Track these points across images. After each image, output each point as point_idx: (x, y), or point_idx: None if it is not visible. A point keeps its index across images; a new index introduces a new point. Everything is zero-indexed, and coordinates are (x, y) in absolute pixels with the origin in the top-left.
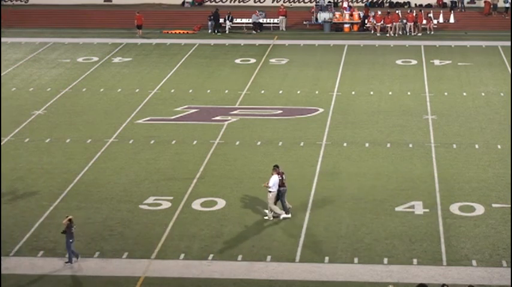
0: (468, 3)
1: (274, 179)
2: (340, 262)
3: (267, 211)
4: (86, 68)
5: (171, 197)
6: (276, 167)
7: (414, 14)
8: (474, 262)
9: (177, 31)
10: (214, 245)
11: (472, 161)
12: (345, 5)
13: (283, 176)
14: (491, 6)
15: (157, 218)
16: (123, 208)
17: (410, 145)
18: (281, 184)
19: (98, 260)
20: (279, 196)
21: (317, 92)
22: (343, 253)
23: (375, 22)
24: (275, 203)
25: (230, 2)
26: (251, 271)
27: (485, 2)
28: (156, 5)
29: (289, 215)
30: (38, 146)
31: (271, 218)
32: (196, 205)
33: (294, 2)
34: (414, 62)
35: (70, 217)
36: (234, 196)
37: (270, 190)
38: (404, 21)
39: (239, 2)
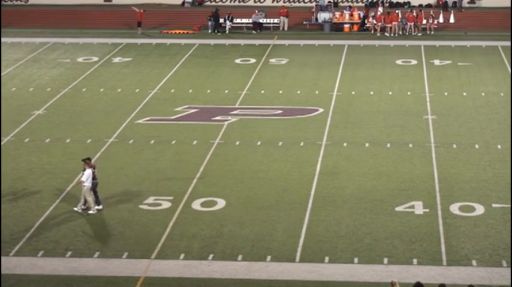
0: (468, 3)
1: (88, 173)
2: (340, 262)
3: (78, 205)
4: (86, 68)
5: (171, 197)
6: (87, 160)
7: (414, 14)
8: (474, 262)
9: (177, 31)
10: (214, 245)
11: (472, 161)
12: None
13: (95, 169)
14: None
15: (157, 218)
16: (123, 208)
17: (410, 145)
18: (94, 177)
19: (98, 260)
20: (92, 189)
21: (317, 92)
22: (343, 253)
23: (374, 22)
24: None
25: (230, 2)
26: (251, 271)
27: None
28: (156, 5)
29: (101, 207)
30: (38, 146)
31: (80, 211)
32: (196, 205)
33: (294, 2)
34: (414, 62)
35: None
36: (234, 196)
37: (84, 184)
38: (404, 21)
39: (239, 2)
